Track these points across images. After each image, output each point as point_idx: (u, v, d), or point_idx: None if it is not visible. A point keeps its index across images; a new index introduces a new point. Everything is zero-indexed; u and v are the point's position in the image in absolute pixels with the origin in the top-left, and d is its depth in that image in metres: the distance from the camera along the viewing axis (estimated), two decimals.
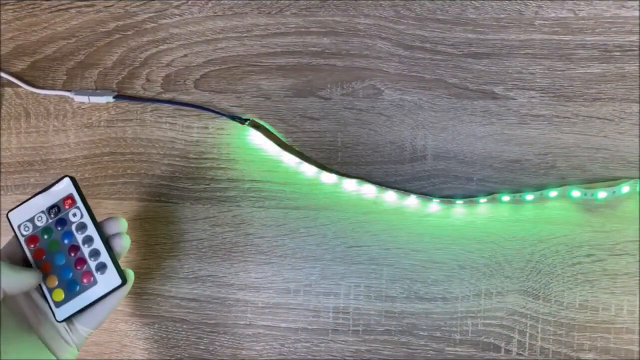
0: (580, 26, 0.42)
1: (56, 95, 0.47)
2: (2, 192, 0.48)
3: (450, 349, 0.43)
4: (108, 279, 0.38)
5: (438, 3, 0.43)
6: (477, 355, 0.43)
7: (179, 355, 0.46)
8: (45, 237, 0.39)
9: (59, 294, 0.39)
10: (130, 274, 0.40)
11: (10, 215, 0.40)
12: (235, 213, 0.45)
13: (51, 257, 0.39)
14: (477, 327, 0.43)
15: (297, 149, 0.45)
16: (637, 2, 0.42)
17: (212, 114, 0.45)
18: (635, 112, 0.42)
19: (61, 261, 0.39)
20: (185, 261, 0.46)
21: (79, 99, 0.47)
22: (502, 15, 0.43)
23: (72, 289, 0.39)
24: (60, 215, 0.39)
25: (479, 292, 0.43)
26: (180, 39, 0.46)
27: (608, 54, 0.42)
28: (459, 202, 0.42)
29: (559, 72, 0.42)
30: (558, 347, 0.42)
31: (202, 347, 0.46)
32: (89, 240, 0.39)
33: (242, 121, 0.44)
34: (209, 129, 0.46)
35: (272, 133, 0.45)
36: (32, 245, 0.39)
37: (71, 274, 0.39)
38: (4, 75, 0.48)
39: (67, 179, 0.40)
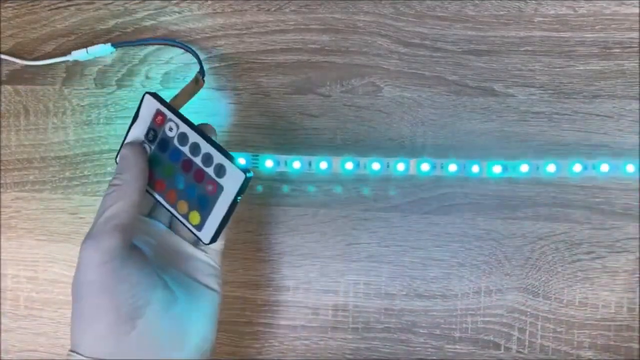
0: (579, 23, 0.42)
1: (53, 63, 0.47)
2: (1, 190, 0.48)
3: (449, 346, 0.43)
4: (232, 179, 0.34)
5: (437, 0, 0.43)
6: (476, 353, 0.42)
7: None
8: (156, 166, 0.36)
9: (195, 217, 0.35)
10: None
11: (117, 160, 0.37)
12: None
13: (171, 183, 0.36)
14: (476, 324, 0.43)
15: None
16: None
17: (215, 110, 0.45)
18: (635, 109, 0.42)
19: (181, 183, 0.35)
20: None
21: (76, 54, 0.46)
22: (502, 12, 0.43)
23: (204, 206, 0.35)
24: (158, 138, 0.36)
25: (478, 290, 0.43)
26: (180, 37, 0.46)
27: (608, 50, 0.42)
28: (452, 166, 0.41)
29: (558, 69, 0.42)
30: (558, 345, 0.42)
31: None
32: (195, 147, 0.35)
33: (202, 77, 0.43)
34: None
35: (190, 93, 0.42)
36: (150, 182, 0.36)
37: (196, 191, 0.35)
38: (3, 56, 0.48)
39: (146, 97, 0.36)
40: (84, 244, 0.33)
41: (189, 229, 0.36)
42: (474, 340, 0.43)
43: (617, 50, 0.42)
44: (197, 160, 0.35)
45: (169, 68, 0.46)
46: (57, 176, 0.48)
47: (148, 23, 0.47)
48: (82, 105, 0.48)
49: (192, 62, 0.46)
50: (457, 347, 0.43)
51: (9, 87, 0.48)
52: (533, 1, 0.42)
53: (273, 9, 0.45)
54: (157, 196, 0.37)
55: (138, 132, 0.36)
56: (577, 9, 0.42)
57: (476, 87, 0.43)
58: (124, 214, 0.33)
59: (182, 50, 0.46)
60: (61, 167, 0.48)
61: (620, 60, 0.42)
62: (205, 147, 0.35)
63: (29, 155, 0.48)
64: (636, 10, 0.42)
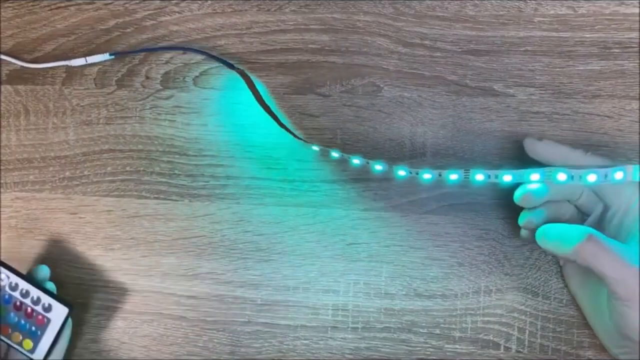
0: (579, 23, 0.42)
1: (53, 66, 0.48)
2: (2, 190, 0.48)
3: (449, 346, 0.43)
4: (57, 313, 0.44)
5: (437, 0, 0.43)
6: (476, 353, 0.42)
7: (177, 353, 0.46)
8: None
9: (28, 344, 0.44)
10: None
11: None
12: (234, 210, 0.45)
13: (4, 320, 0.44)
14: (476, 324, 0.43)
15: (274, 111, 0.44)
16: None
17: (215, 110, 0.45)
18: (635, 109, 0.42)
19: (14, 319, 0.44)
20: (184, 258, 0.46)
21: (76, 62, 0.47)
22: (502, 12, 0.43)
23: (35, 335, 0.44)
24: None
25: (478, 290, 0.43)
26: (180, 37, 0.46)
27: (607, 50, 0.42)
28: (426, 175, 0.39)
29: (558, 69, 0.42)
30: (557, 345, 0.42)
31: (200, 345, 0.46)
32: (26, 293, 0.44)
33: (232, 67, 0.44)
34: (208, 126, 0.46)
35: (255, 87, 0.44)
36: None
37: (28, 324, 0.44)
38: (3, 57, 0.48)
39: None
40: None
41: (23, 353, 0.44)
42: (474, 340, 0.43)
43: (617, 50, 0.42)
44: (27, 301, 0.44)
45: (168, 68, 0.46)
46: (57, 176, 0.48)
47: (148, 23, 0.47)
48: (82, 105, 0.48)
49: (192, 61, 0.46)
50: (457, 346, 0.43)
51: (9, 87, 0.48)
52: (533, 1, 0.43)
53: (273, 9, 0.45)
54: None
55: None
56: (577, 9, 0.42)
57: (476, 87, 0.43)
58: None
59: (182, 50, 0.46)
60: (61, 167, 0.48)
61: (620, 60, 0.42)
62: (34, 291, 0.44)
63: (29, 155, 0.48)
64: (636, 10, 0.42)
